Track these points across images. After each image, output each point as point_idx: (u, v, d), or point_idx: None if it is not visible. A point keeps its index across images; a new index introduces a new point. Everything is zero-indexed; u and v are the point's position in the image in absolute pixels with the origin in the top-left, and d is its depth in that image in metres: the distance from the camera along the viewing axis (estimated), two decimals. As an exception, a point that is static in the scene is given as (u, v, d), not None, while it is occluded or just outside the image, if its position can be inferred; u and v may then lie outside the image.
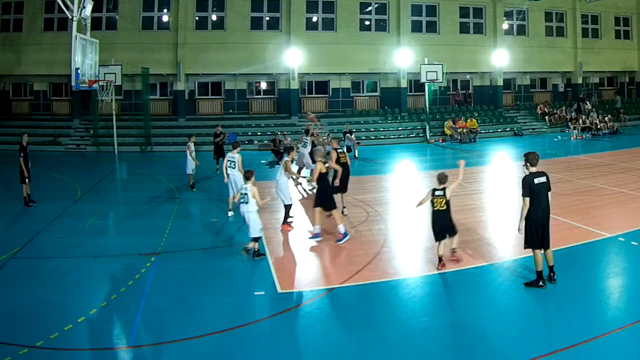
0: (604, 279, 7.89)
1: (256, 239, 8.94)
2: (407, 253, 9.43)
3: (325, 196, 9.96)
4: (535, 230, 7.28)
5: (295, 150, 12.47)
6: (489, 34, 30.61)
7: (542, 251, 7.38)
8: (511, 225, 11.11)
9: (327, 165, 10.32)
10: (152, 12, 27.19)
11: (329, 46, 28.16)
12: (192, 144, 15.20)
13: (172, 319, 6.75)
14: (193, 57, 27.06)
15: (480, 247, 9.47)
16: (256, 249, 9.00)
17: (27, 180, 12.84)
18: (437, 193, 8.25)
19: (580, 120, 28.68)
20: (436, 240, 8.38)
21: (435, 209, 8.24)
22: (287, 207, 11.08)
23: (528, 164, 7.43)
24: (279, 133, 23.04)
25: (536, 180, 7.27)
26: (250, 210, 8.82)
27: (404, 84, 29.62)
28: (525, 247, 7.51)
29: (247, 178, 9.05)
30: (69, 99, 27.89)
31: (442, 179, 8.35)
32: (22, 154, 12.75)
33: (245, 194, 8.85)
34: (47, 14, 26.29)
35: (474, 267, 8.39)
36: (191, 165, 15.03)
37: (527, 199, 7.21)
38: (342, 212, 11.62)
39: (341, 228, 9.84)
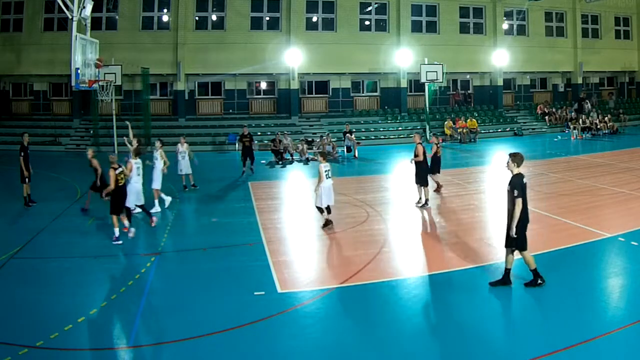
0: (604, 279, 7.88)
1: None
2: (407, 253, 9.43)
3: (113, 201, 10.01)
4: (524, 231, 7.26)
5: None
6: (489, 34, 30.62)
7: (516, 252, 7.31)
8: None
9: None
10: (152, 12, 27.20)
11: (329, 46, 28.16)
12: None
13: (172, 319, 6.75)
14: (193, 57, 27.06)
15: (480, 247, 9.47)
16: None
17: (27, 180, 12.83)
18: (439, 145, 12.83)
19: (580, 120, 28.68)
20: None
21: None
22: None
23: (515, 164, 7.31)
24: (279, 133, 23.04)
25: (524, 181, 7.25)
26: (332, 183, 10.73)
27: (404, 84, 29.62)
28: (520, 250, 7.34)
29: (325, 158, 10.93)
30: (69, 99, 27.90)
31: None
32: (22, 154, 12.75)
33: (329, 170, 10.64)
34: (47, 14, 26.31)
35: (474, 267, 8.39)
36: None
37: (521, 200, 7.14)
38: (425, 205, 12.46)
39: (116, 232, 9.87)
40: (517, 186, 7.11)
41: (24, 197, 12.94)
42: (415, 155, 12.57)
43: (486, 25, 30.67)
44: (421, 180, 12.57)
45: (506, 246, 7.40)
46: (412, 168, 12.76)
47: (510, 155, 7.36)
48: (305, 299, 7.28)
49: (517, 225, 7.11)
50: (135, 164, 11.19)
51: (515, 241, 7.20)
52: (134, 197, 10.96)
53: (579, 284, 7.53)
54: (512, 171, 7.30)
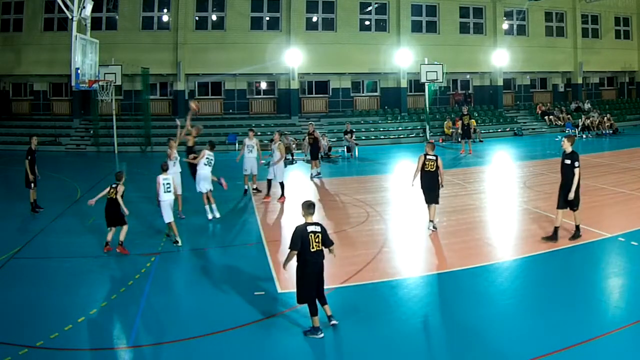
0: (604, 279, 7.88)
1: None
2: (407, 253, 9.42)
3: None
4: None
5: None
6: (489, 34, 30.62)
7: None
8: (510, 225, 11.12)
9: None
10: (152, 12, 27.20)
11: (329, 46, 28.17)
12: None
13: (172, 319, 6.75)
14: (193, 57, 27.06)
15: (480, 247, 9.47)
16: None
17: (32, 185, 12.23)
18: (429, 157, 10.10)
19: (580, 120, 28.66)
20: None
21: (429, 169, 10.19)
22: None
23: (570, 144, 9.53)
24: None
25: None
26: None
27: (404, 84, 29.63)
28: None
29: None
30: (69, 99, 27.91)
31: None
32: (28, 157, 12.14)
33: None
34: (47, 14, 26.31)
35: (474, 267, 8.38)
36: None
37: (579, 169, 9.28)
38: None
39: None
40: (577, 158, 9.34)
41: (30, 203, 12.40)
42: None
43: (486, 25, 30.67)
44: None
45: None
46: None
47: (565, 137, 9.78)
48: (305, 299, 7.27)
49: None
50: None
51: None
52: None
53: (579, 284, 7.53)
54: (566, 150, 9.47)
